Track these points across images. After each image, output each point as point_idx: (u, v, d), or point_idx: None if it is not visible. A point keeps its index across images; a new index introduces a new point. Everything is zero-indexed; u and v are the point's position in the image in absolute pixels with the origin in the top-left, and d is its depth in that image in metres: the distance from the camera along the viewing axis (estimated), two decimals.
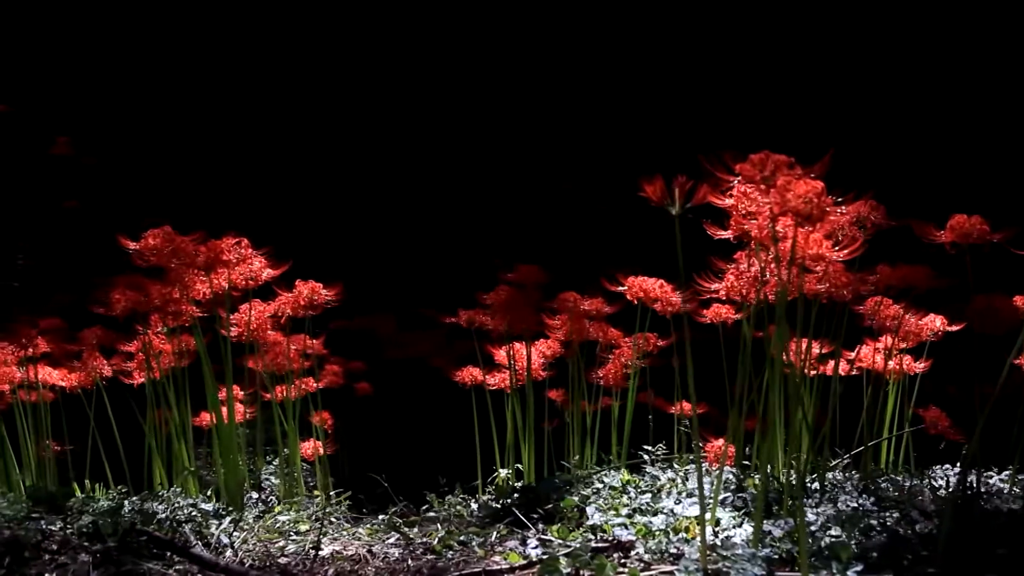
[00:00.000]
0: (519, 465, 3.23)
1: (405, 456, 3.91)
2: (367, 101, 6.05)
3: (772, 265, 2.45)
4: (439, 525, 2.60)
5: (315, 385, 3.39)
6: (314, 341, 3.39)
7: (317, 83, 6.05)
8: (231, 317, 2.84)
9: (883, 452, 3.15)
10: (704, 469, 2.74)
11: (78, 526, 2.14)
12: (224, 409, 2.74)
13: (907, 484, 2.63)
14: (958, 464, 3.03)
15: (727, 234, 2.37)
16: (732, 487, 2.46)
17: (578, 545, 2.07)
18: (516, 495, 2.80)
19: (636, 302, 2.81)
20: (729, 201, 2.27)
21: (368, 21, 6.05)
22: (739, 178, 1.79)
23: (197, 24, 6.03)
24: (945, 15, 5.48)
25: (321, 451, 3.38)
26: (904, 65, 5.52)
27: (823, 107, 5.47)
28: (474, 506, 2.96)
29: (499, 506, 2.79)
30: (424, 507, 2.94)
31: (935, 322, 3.00)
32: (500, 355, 3.27)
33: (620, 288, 2.81)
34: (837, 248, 2.04)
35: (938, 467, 3.00)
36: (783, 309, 1.92)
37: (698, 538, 2.14)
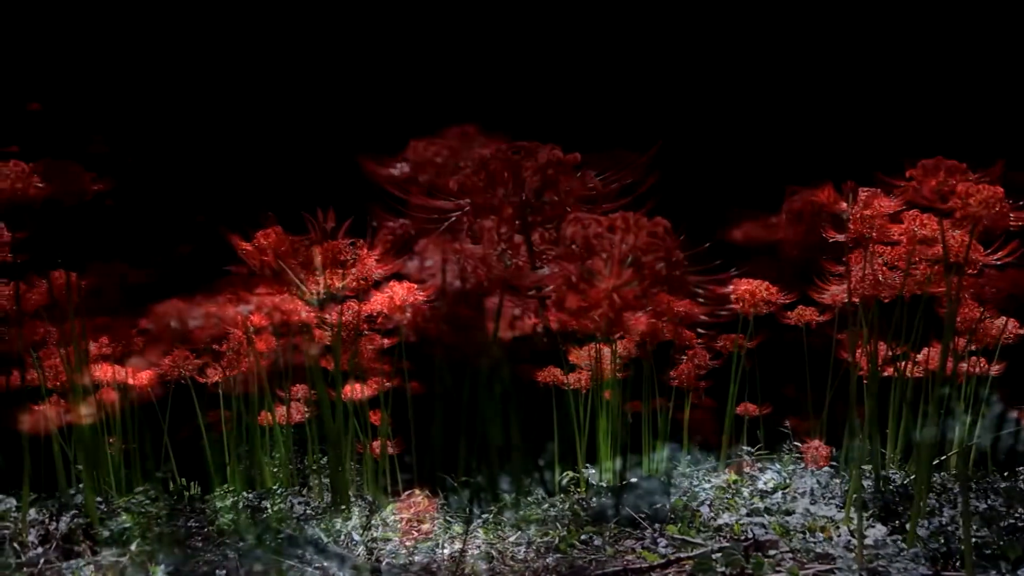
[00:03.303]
0: (589, 465, 3.25)
1: (462, 455, 3.91)
2: (391, 95, 6.03)
3: (884, 268, 2.49)
4: (557, 524, 2.61)
5: (388, 384, 3.40)
6: (385, 340, 3.39)
7: (349, 79, 6.03)
8: (329, 318, 2.84)
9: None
10: (802, 469, 2.77)
11: (218, 524, 2.14)
12: (331, 408, 2.74)
13: (1004, 485, 2.67)
14: None
15: (841, 237, 2.42)
16: (846, 488, 2.49)
17: (727, 544, 2.10)
18: (609, 494, 2.82)
19: (740, 304, 2.83)
20: (844, 205, 2.32)
21: (427, 20, 6.00)
22: (911, 182, 1.82)
23: (221, 22, 6.01)
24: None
25: (390, 450, 3.39)
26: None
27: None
28: (561, 506, 2.98)
29: (595, 505, 2.81)
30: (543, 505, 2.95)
31: (1007, 324, 3.06)
32: (580, 355, 3.28)
33: (726, 290, 2.83)
34: (987, 252, 2.07)
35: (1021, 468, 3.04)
36: (953, 315, 1.95)
37: (833, 537, 2.18)
